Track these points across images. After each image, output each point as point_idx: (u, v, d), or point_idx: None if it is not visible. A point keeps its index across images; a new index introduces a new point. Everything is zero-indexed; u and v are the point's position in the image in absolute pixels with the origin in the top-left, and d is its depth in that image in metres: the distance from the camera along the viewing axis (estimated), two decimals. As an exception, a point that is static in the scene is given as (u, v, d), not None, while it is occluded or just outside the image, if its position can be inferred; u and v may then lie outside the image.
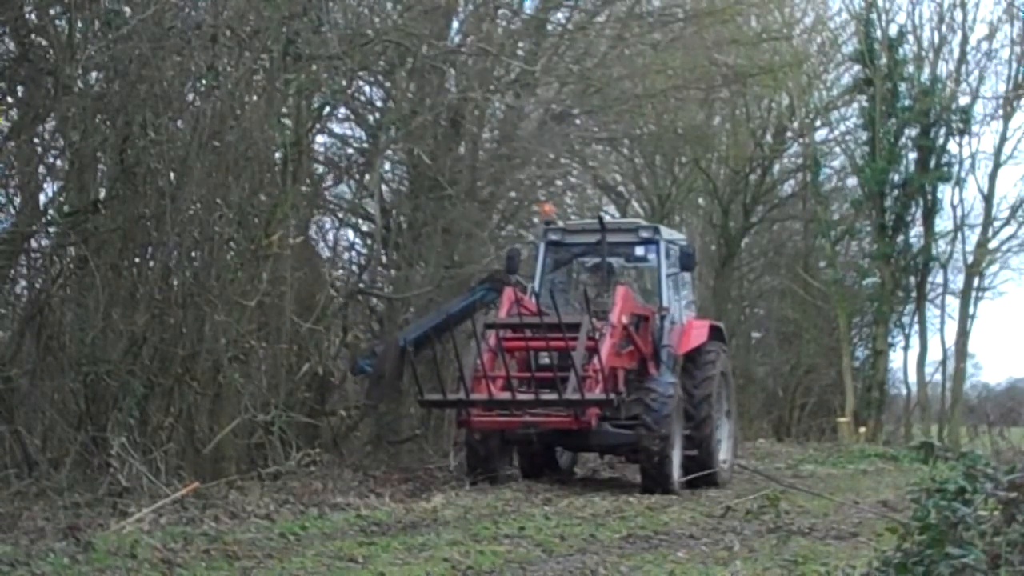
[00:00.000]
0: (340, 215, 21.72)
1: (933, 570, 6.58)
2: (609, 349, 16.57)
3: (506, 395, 16.07)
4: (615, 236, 18.52)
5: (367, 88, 21.80)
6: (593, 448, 18.30)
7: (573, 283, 19.32)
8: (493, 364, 16.35)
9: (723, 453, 18.59)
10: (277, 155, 16.34)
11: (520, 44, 23.22)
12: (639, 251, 18.91)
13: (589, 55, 23.54)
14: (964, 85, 31.38)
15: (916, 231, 31.77)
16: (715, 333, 18.86)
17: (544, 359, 16.68)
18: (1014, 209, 32.21)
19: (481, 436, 16.93)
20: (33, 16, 14.48)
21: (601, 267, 18.44)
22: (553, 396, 15.87)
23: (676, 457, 16.91)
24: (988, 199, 31.53)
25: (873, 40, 30.71)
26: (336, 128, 21.70)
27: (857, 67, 31.41)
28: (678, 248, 18.90)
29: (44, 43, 14.48)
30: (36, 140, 15.10)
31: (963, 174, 31.44)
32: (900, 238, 31.39)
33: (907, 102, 30.69)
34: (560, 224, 19.32)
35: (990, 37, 31.43)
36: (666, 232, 19.16)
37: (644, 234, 18.72)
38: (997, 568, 6.47)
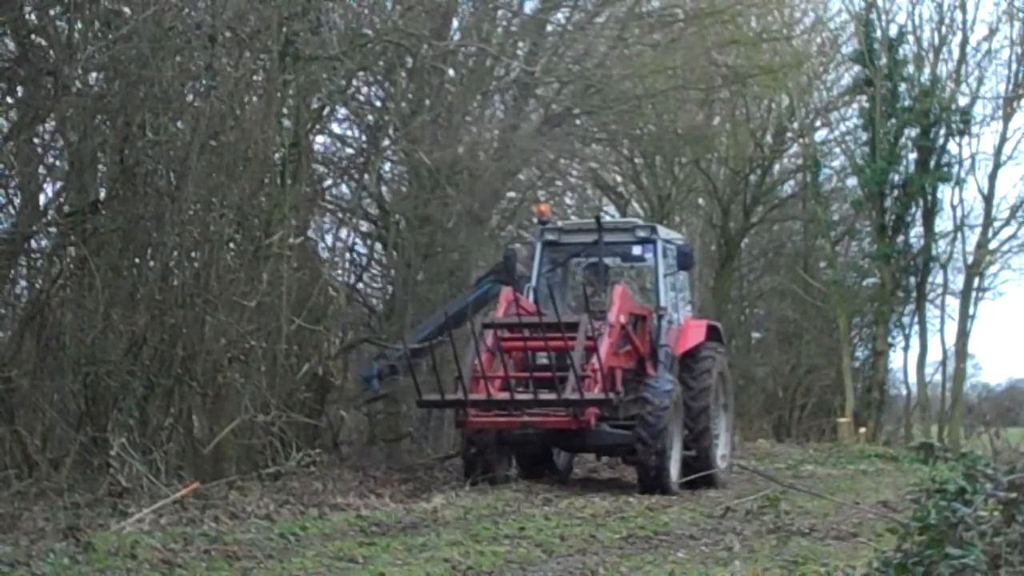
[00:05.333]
0: (340, 215, 21.72)
1: (933, 570, 6.58)
2: (608, 348, 16.56)
3: (504, 395, 16.05)
4: (612, 235, 18.52)
5: (366, 88, 21.81)
6: (590, 449, 18.26)
7: (570, 283, 19.31)
8: (491, 364, 16.34)
9: (721, 454, 18.57)
10: (277, 156, 16.33)
11: (520, 44, 23.23)
12: (636, 251, 18.90)
13: (589, 55, 23.55)
14: (964, 85, 31.46)
15: (916, 231, 31.83)
16: (712, 333, 18.84)
17: (542, 359, 16.65)
18: (1014, 209, 32.27)
19: (478, 438, 16.90)
20: (33, 16, 14.48)
21: (598, 267, 18.42)
22: (552, 396, 15.86)
23: (674, 458, 16.90)
24: (988, 199, 31.58)
25: (873, 40, 30.73)
26: (336, 128, 21.74)
27: (857, 67, 31.44)
28: (675, 247, 18.87)
29: (44, 43, 14.48)
30: (36, 140, 15.10)
31: (963, 174, 31.54)
32: (900, 238, 31.42)
33: (907, 102, 30.71)
34: (557, 223, 19.33)
35: (990, 37, 31.51)
36: (663, 231, 19.13)
37: (641, 233, 18.70)
38: (997, 568, 6.47)
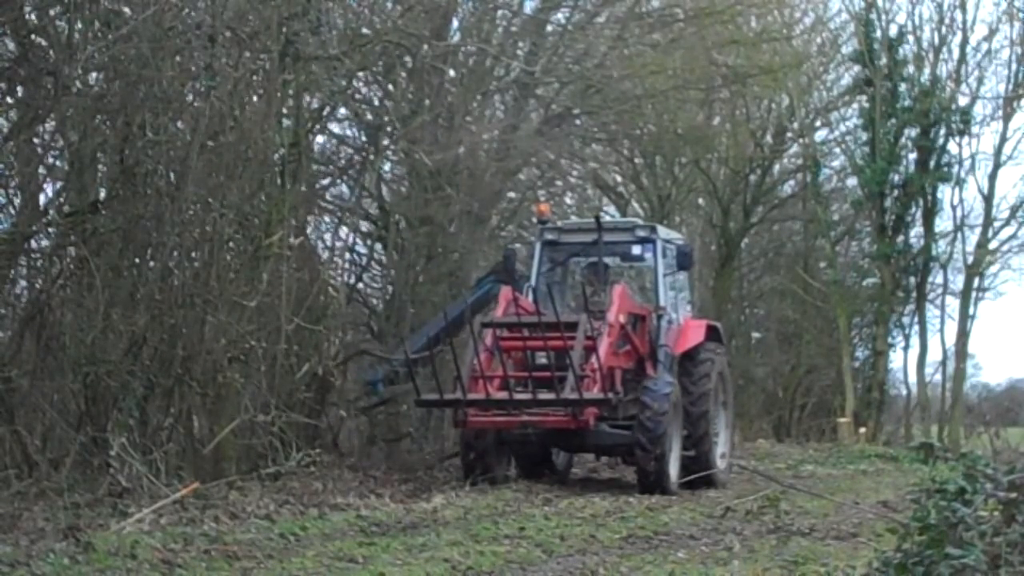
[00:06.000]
0: (340, 215, 21.71)
1: (933, 571, 6.58)
2: (607, 348, 16.55)
3: (503, 395, 16.04)
4: (612, 235, 18.51)
5: (366, 88, 21.81)
6: (590, 449, 18.25)
7: (569, 283, 19.29)
8: (490, 364, 16.32)
9: (720, 454, 18.55)
10: (276, 156, 16.33)
11: (520, 44, 23.23)
12: (636, 250, 18.88)
13: (589, 55, 23.54)
14: (964, 85, 31.45)
15: (916, 231, 31.82)
16: (712, 333, 18.82)
17: (541, 359, 16.64)
18: (1014, 209, 32.26)
19: (476, 439, 16.88)
20: (33, 16, 14.48)
21: (597, 266, 18.40)
22: (551, 396, 15.84)
23: (674, 458, 16.88)
24: (988, 199, 31.57)
25: (873, 40, 30.72)
26: (335, 128, 21.74)
27: (857, 67, 31.43)
28: (675, 247, 18.85)
29: (44, 43, 14.48)
30: (36, 140, 15.10)
31: (963, 174, 31.52)
32: (900, 238, 31.41)
33: (907, 102, 30.70)
34: (557, 223, 19.33)
35: (990, 37, 31.51)
36: (663, 231, 19.12)
37: (641, 233, 18.69)
38: (997, 568, 6.47)
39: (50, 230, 14.92)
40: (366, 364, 20.08)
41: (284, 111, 16.83)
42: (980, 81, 31.73)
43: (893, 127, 30.67)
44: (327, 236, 21.50)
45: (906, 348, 33.82)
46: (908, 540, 6.85)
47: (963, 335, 31.81)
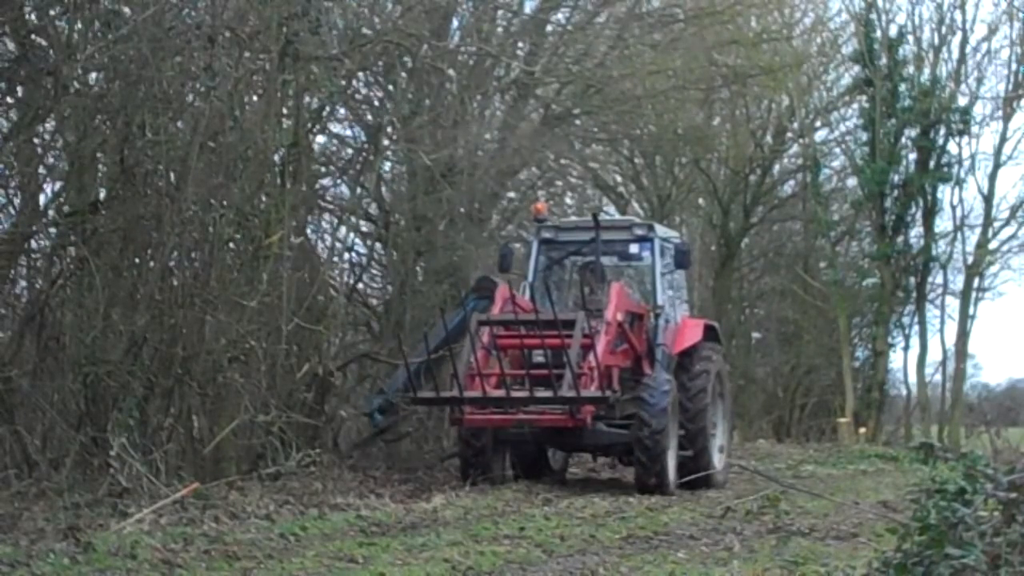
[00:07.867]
0: (340, 215, 21.71)
1: (933, 571, 6.58)
2: (604, 346, 16.48)
3: (500, 393, 16.00)
4: (609, 234, 18.46)
5: (365, 88, 21.81)
6: (587, 448, 18.19)
7: (567, 281, 19.27)
8: (487, 361, 16.28)
9: (718, 453, 18.52)
10: (276, 156, 16.33)
11: (520, 44, 23.24)
12: (633, 249, 18.83)
13: (589, 55, 23.55)
14: (964, 85, 31.50)
15: (916, 231, 31.86)
16: (710, 333, 18.78)
17: (538, 357, 16.60)
18: (1014, 209, 32.34)
19: (474, 437, 16.85)
20: (33, 16, 14.50)
21: (595, 265, 18.37)
22: (548, 394, 15.81)
23: (671, 457, 16.85)
24: (988, 199, 31.62)
25: (873, 40, 30.75)
26: (335, 128, 21.74)
27: (857, 67, 31.46)
28: (673, 246, 18.81)
29: (44, 43, 14.48)
30: (36, 140, 15.11)
31: (963, 174, 31.58)
32: (900, 238, 31.44)
33: (907, 102, 30.73)
34: (556, 222, 19.31)
35: (990, 37, 31.58)
36: (661, 230, 19.07)
37: (638, 232, 18.64)
38: (997, 568, 6.47)
39: (50, 230, 14.93)
40: (365, 365, 20.06)
41: (284, 111, 16.83)
42: (980, 81, 31.87)
43: (893, 127, 30.70)
44: (327, 236, 21.51)
45: (906, 348, 33.90)
46: (908, 540, 6.85)
47: (963, 335, 31.86)
